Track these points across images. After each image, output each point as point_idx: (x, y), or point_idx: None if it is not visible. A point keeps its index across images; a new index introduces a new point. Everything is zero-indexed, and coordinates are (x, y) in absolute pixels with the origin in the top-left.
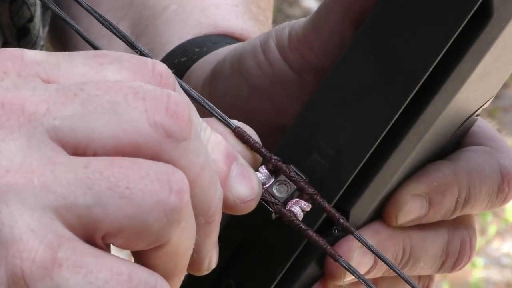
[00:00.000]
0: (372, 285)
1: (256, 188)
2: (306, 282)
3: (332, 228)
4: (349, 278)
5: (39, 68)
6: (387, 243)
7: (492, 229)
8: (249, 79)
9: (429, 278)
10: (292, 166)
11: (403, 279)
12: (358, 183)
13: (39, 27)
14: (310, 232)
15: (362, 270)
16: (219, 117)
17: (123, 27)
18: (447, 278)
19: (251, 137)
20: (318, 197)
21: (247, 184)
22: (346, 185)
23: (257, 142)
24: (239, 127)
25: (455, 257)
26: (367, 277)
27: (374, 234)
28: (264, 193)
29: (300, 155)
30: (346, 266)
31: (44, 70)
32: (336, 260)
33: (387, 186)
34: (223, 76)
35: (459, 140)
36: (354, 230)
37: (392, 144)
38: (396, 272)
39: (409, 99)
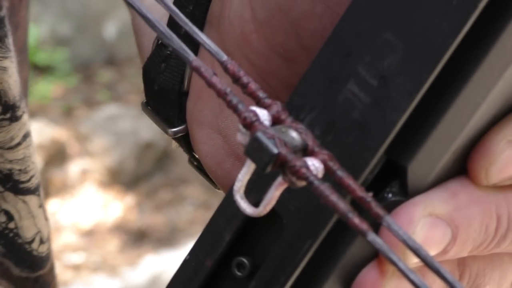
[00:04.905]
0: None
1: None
2: (353, 263)
3: (384, 191)
4: (416, 259)
5: None
6: (471, 210)
7: None
8: None
9: None
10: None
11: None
12: (417, 126)
13: None
14: (326, 191)
15: (433, 249)
16: (209, 48)
17: None
18: None
19: (245, 74)
20: (331, 164)
21: None
22: (398, 128)
23: (252, 81)
24: (231, 61)
25: None
26: (443, 258)
27: (448, 198)
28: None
29: (331, 86)
30: (379, 246)
31: None
32: (363, 235)
33: (464, 130)
34: None
35: None
36: (383, 215)
37: (468, 67)
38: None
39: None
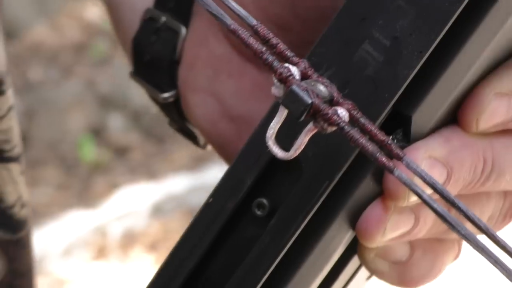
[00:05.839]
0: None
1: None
2: (359, 202)
3: (390, 136)
4: (415, 197)
5: None
6: (463, 153)
7: None
8: None
9: None
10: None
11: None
12: (422, 81)
13: None
14: (356, 134)
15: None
16: (239, 13)
17: None
18: None
19: (274, 36)
20: (355, 112)
21: None
22: (407, 83)
23: (281, 42)
24: (260, 24)
25: None
26: (437, 196)
27: (444, 143)
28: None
29: (347, 47)
30: (405, 180)
31: None
32: (391, 172)
33: (460, 84)
34: None
35: None
36: (403, 155)
37: (466, 30)
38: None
39: None
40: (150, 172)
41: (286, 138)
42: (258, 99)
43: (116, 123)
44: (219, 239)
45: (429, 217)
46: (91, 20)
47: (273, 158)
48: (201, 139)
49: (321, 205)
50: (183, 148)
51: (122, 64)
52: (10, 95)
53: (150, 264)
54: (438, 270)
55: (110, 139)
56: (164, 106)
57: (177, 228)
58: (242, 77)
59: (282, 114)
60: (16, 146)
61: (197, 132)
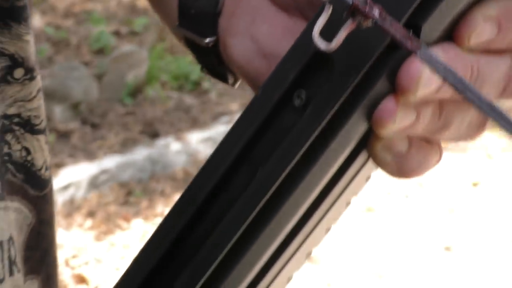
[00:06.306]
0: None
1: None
2: (374, 99)
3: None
4: (422, 91)
5: None
6: (457, 62)
7: None
8: None
9: None
10: None
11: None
12: None
13: None
14: (388, 26)
15: (435, 84)
16: None
17: None
18: None
19: None
20: (385, 13)
21: None
22: None
23: None
24: None
25: None
26: (436, 95)
27: (443, 53)
28: None
29: None
30: (427, 57)
31: None
32: (415, 53)
33: (462, 2)
34: None
35: None
36: (422, 47)
37: None
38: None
39: None
40: (87, 153)
41: (325, 38)
42: (287, 40)
43: (58, 113)
44: (263, 126)
45: (426, 115)
46: (36, 27)
47: (312, 56)
48: (230, 80)
49: (346, 98)
50: (115, 133)
51: (63, 64)
52: (39, 79)
53: (88, 228)
54: (428, 165)
55: (54, 126)
56: (203, 51)
57: (110, 198)
58: (275, 22)
59: (327, 14)
60: (43, 120)
61: (228, 73)
